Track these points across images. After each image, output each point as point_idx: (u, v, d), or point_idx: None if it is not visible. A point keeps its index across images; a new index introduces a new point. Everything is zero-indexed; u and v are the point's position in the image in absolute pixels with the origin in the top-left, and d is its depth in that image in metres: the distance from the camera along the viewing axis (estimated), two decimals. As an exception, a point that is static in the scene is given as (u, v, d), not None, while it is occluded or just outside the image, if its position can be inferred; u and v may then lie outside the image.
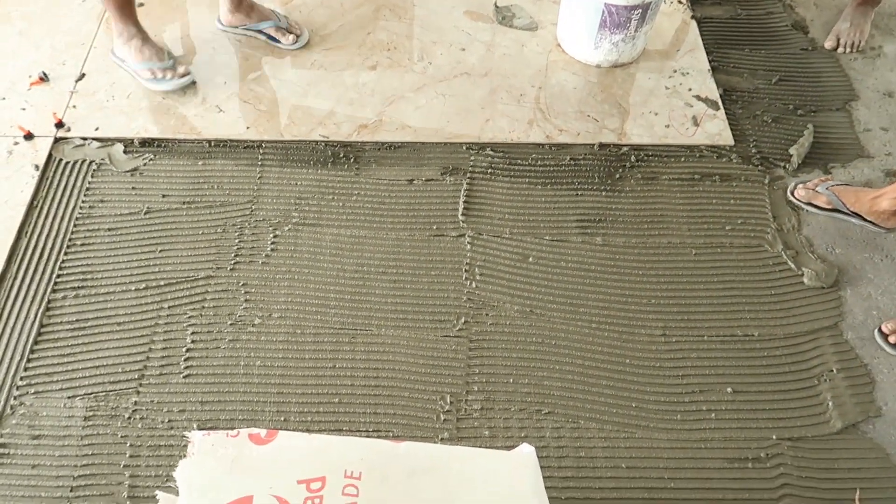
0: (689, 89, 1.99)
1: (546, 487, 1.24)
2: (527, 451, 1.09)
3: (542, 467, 1.27)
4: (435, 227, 1.70)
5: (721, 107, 1.94)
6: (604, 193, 1.77)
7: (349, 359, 1.50)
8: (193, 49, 2.04)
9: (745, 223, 1.72)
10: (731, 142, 1.87)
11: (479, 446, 1.38)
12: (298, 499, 0.97)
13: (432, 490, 1.02)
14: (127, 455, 1.37)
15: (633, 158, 1.83)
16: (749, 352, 1.53)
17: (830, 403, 1.45)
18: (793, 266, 1.64)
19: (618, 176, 1.80)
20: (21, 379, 1.45)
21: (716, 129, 1.89)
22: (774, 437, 1.41)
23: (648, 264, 1.65)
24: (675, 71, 2.03)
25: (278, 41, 2.02)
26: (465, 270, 1.63)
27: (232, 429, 0.99)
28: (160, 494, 0.95)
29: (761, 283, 1.62)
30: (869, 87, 2.02)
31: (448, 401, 1.45)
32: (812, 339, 1.54)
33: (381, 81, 1.99)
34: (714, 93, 1.98)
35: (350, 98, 1.94)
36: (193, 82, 1.93)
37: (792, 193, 1.73)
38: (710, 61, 2.05)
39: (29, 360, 1.48)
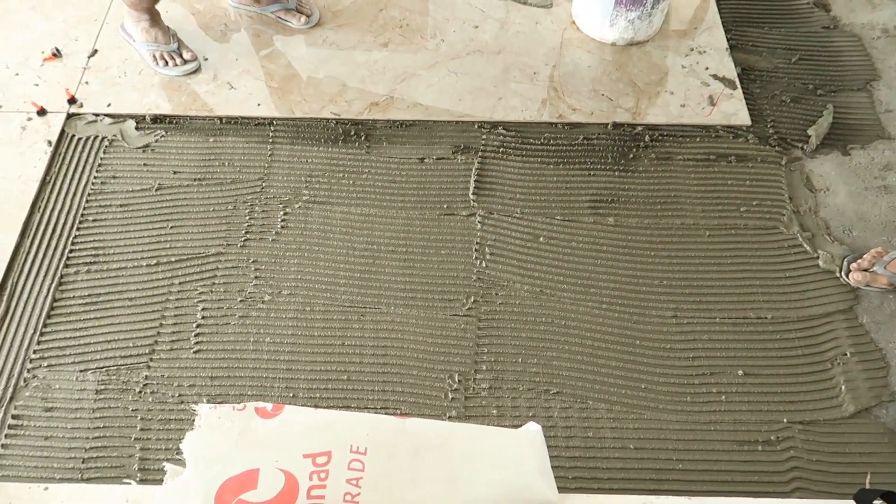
0: (706, 68, 1.95)
1: (553, 466, 1.24)
2: (533, 429, 1.09)
3: (549, 447, 1.26)
4: (445, 206, 1.69)
5: (738, 86, 1.91)
6: (617, 173, 1.75)
7: (358, 336, 1.50)
8: (205, 25, 2.03)
9: (761, 205, 1.69)
10: (748, 122, 1.84)
11: (488, 425, 1.38)
12: (304, 473, 0.97)
13: (438, 467, 1.02)
14: (137, 428, 1.38)
15: (647, 138, 1.80)
16: (761, 334, 1.51)
17: (843, 387, 1.44)
18: (808, 248, 1.62)
19: (631, 156, 1.78)
20: (34, 352, 1.47)
21: (732, 109, 1.86)
22: (785, 420, 1.40)
23: (661, 245, 1.63)
24: (693, 49, 2.00)
25: (289, 22, 2.01)
26: (475, 250, 1.62)
27: (239, 402, 1.00)
28: (168, 466, 0.96)
29: (776, 265, 1.60)
30: (891, 67, 1.97)
31: (456, 379, 1.45)
32: (826, 322, 1.52)
33: (393, 59, 1.97)
34: (732, 72, 1.94)
35: (361, 75, 1.93)
36: (199, 68, 1.92)
37: (846, 275, 1.57)
38: (728, 39, 2.01)
39: (42, 334, 1.49)
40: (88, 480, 1.32)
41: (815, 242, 1.63)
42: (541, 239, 1.64)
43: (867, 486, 1.17)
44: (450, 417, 1.40)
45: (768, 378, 1.45)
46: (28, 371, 1.45)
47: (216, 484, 0.95)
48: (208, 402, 1.41)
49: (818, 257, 1.60)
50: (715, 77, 1.93)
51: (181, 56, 1.89)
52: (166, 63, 1.88)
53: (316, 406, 1.42)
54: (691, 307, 1.54)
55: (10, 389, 1.42)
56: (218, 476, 0.95)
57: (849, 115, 1.86)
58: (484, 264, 1.60)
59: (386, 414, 1.39)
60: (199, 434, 0.98)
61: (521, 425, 1.38)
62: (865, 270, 1.54)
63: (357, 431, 1.02)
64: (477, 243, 1.63)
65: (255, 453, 0.99)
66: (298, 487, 0.96)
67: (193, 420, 0.98)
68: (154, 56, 1.88)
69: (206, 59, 1.94)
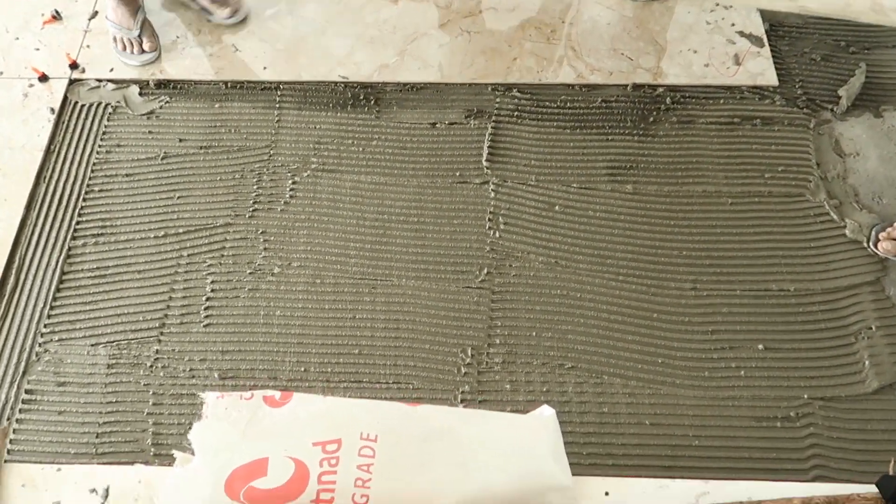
0: (732, 24, 1.85)
1: (567, 443, 1.23)
2: (547, 413, 1.07)
3: (563, 422, 1.25)
4: (458, 174, 1.64)
5: (766, 44, 1.81)
6: (636, 138, 1.68)
7: (369, 309, 1.48)
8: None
9: (787, 170, 1.63)
10: (775, 82, 1.75)
11: (501, 400, 1.37)
12: (314, 460, 0.96)
13: (449, 451, 1.01)
14: (150, 403, 1.38)
15: (668, 100, 1.73)
16: (783, 307, 1.46)
17: (867, 362, 1.40)
18: (835, 217, 1.56)
19: (651, 119, 1.71)
20: (45, 326, 1.46)
21: (759, 69, 1.77)
22: (806, 396, 1.37)
23: (681, 214, 1.58)
24: (718, 4, 1.90)
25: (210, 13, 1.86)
26: (489, 219, 1.58)
27: (247, 389, 0.99)
28: (177, 454, 0.95)
29: (800, 234, 1.55)
30: (930, 21, 1.86)
31: (469, 353, 1.43)
32: (851, 294, 1.47)
33: (403, 17, 1.89)
34: (759, 28, 1.84)
35: (370, 35, 1.85)
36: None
37: (874, 245, 1.50)
38: (756, -7, 1.91)
39: (52, 308, 1.48)
40: (102, 455, 1.33)
41: (843, 210, 1.57)
42: (556, 208, 1.59)
43: (891, 473, 1.14)
44: (462, 392, 1.39)
45: (789, 353, 1.42)
46: (40, 345, 1.44)
47: (225, 472, 0.94)
48: (220, 376, 1.40)
49: (845, 226, 1.54)
50: (741, 34, 1.83)
51: (140, 45, 1.78)
52: (124, 48, 1.79)
53: (328, 380, 1.41)
54: (711, 279, 1.50)
55: (23, 364, 1.42)
56: (226, 465, 0.95)
57: (883, 74, 1.76)
58: (497, 234, 1.56)
59: (398, 388, 1.38)
60: (206, 424, 0.97)
61: (534, 401, 1.37)
62: (895, 240, 1.49)
63: (367, 419, 1.01)
64: (490, 212, 1.59)
65: (263, 442, 0.98)
66: (309, 474, 0.95)
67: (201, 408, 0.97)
68: (114, 37, 1.80)
69: (210, 21, 1.87)
